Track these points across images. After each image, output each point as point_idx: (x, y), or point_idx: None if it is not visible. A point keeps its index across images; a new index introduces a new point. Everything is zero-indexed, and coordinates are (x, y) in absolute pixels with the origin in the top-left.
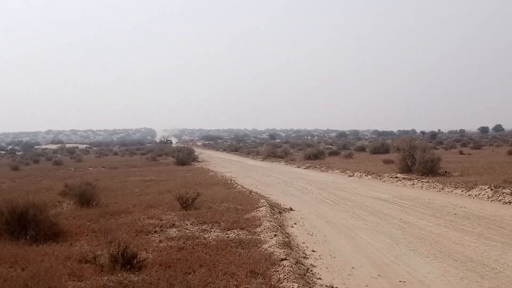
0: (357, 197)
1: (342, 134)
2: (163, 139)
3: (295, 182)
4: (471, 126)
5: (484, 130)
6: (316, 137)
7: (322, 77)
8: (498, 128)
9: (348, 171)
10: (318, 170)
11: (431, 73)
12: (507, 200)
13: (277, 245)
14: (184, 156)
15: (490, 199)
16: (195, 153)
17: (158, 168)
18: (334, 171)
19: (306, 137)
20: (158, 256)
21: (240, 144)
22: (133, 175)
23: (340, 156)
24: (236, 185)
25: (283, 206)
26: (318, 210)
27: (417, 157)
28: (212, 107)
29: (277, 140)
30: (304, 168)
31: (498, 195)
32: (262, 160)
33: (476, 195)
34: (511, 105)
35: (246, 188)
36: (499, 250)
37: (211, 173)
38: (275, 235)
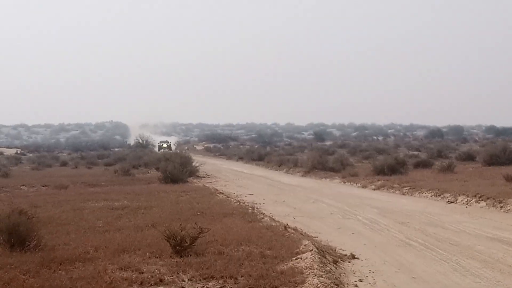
0: (462, 237)
1: (435, 133)
2: (141, 140)
3: (358, 212)
4: None
5: None
6: (393, 137)
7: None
8: None
9: (446, 195)
10: (397, 192)
11: None
12: None
13: None
14: (175, 169)
15: None
16: (194, 164)
17: (133, 188)
18: (424, 194)
19: (375, 137)
20: None
21: (267, 149)
22: (93, 198)
23: (433, 169)
24: (262, 216)
25: (340, 251)
26: (397, 258)
27: None
28: (220, 93)
29: (327, 142)
30: (374, 189)
31: None
32: (303, 176)
33: None
34: None
35: (278, 222)
36: None
37: (221, 196)
38: None
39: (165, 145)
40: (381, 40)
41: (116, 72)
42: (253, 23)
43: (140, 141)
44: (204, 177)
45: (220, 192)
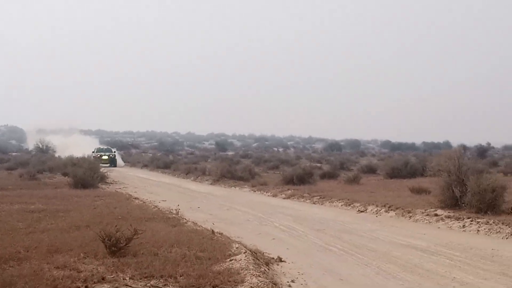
0: (378, 244)
1: (334, 146)
2: (41, 145)
3: (274, 220)
4: None
5: None
6: (293, 149)
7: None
8: None
9: (356, 204)
10: (308, 201)
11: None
12: None
13: None
14: (86, 174)
15: None
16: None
17: (44, 192)
18: (334, 204)
19: (275, 148)
20: None
21: (170, 157)
22: (6, 201)
23: (339, 180)
24: (185, 221)
25: (267, 255)
26: (321, 262)
27: (470, 185)
28: (121, 100)
29: (229, 152)
30: (285, 198)
31: None
32: (212, 184)
33: None
34: None
35: (201, 226)
36: None
37: (137, 201)
38: None
39: (105, 157)
40: (278, 52)
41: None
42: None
43: (40, 146)
44: (112, 183)
45: (135, 198)
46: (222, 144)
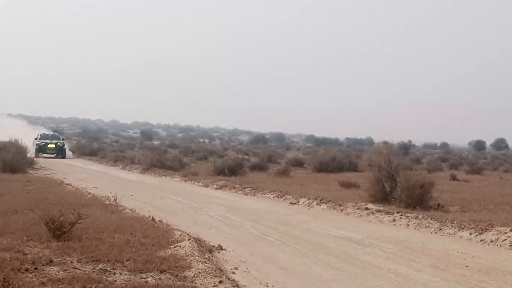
0: (313, 235)
1: (259, 138)
2: None
3: (209, 209)
4: (457, 139)
5: (479, 146)
6: (219, 140)
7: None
8: (499, 144)
9: (288, 196)
10: (240, 192)
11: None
12: None
13: None
14: (14, 159)
15: None
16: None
17: None
18: (266, 195)
19: (201, 139)
20: None
21: (95, 144)
22: None
23: (268, 172)
24: (123, 208)
25: (208, 243)
26: (261, 251)
27: (400, 181)
28: (43, 84)
29: (154, 142)
30: (216, 189)
31: None
32: (141, 173)
33: (492, 241)
34: None
35: (141, 214)
36: None
37: (69, 187)
38: (220, 281)
39: (51, 145)
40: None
41: None
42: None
43: None
44: (39, 169)
45: (68, 184)
46: (147, 133)
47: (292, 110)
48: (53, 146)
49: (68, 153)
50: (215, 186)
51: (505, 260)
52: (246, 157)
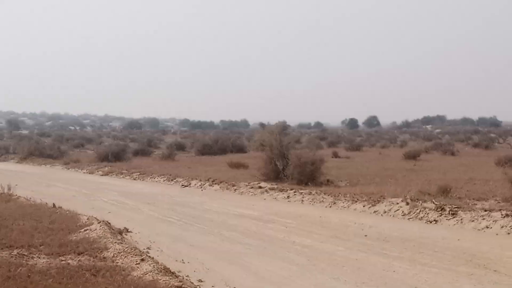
0: (212, 215)
1: (133, 124)
2: None
3: (101, 195)
4: (329, 118)
5: (352, 124)
6: (90, 127)
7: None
8: (371, 121)
9: (179, 179)
10: (128, 177)
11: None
12: (432, 218)
13: (156, 271)
14: None
15: (407, 217)
16: None
17: None
18: (156, 179)
19: (71, 127)
20: None
21: None
22: None
23: (153, 156)
24: (17, 196)
25: (114, 226)
26: (166, 232)
27: (292, 159)
28: None
29: (23, 131)
30: (103, 175)
31: (418, 211)
32: (19, 162)
33: (385, 212)
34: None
35: (38, 201)
36: (447, 277)
37: None
38: (142, 259)
39: None
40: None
41: None
42: None
43: None
44: None
45: None
46: (14, 123)
47: (165, 93)
48: None
49: None
50: (100, 172)
51: (400, 228)
52: (123, 143)
